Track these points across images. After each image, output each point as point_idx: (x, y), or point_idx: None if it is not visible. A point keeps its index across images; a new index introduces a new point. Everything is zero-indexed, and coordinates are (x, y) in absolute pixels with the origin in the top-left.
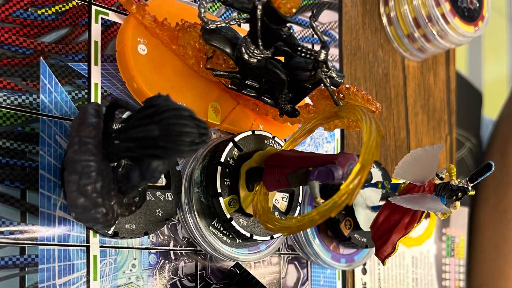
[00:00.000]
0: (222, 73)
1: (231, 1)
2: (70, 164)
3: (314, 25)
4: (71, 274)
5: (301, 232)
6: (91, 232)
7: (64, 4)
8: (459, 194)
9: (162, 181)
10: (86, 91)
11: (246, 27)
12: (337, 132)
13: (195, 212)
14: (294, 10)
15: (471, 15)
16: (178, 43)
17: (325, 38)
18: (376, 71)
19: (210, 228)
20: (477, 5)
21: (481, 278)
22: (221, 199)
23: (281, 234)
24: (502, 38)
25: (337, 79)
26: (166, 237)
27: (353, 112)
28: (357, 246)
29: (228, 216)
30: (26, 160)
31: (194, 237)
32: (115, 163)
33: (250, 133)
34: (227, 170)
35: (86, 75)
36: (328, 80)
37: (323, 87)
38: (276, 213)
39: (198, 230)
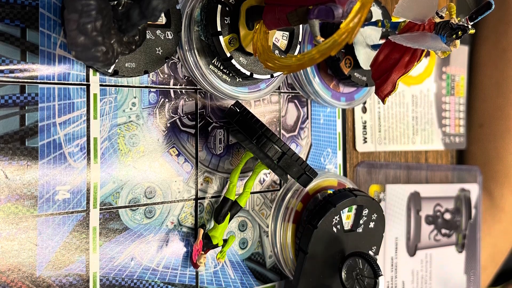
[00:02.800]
0: None
1: None
2: (70, 3)
3: None
4: (71, 112)
5: (301, 70)
6: (91, 70)
7: None
8: (459, 32)
9: (162, 20)
10: None
11: None
12: None
13: (195, 51)
14: None
15: None
16: None
17: None
18: None
19: (210, 67)
20: None
21: (481, 116)
22: (221, 37)
23: (281, 72)
24: None
25: None
26: (166, 75)
27: None
28: (357, 85)
29: (228, 54)
30: None
31: (194, 76)
32: (115, 2)
33: None
34: (227, 8)
35: None
36: None
37: None
38: (276, 51)
39: (198, 68)
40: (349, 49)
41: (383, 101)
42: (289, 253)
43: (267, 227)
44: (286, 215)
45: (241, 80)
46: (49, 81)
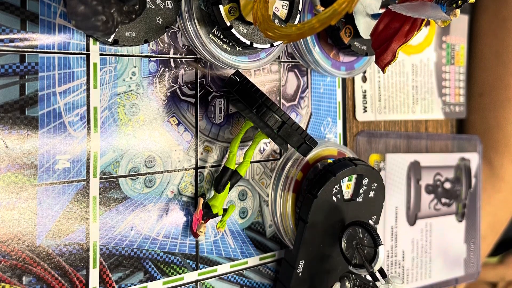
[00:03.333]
0: None
1: None
2: None
3: None
4: (71, 82)
5: (301, 40)
6: (91, 40)
7: None
8: (459, 1)
9: None
10: None
11: None
12: None
13: (195, 20)
14: None
15: None
16: None
17: None
18: None
19: (210, 36)
20: None
21: (481, 85)
22: (221, 6)
23: (281, 42)
24: None
25: None
26: (166, 45)
27: None
28: (357, 54)
29: (228, 24)
30: None
31: (194, 45)
32: None
33: None
34: None
35: None
36: None
37: None
38: (276, 21)
39: (198, 38)
40: (349, 19)
41: (383, 70)
42: (289, 223)
43: (267, 196)
44: (286, 184)
45: (241, 49)
46: (49, 51)
